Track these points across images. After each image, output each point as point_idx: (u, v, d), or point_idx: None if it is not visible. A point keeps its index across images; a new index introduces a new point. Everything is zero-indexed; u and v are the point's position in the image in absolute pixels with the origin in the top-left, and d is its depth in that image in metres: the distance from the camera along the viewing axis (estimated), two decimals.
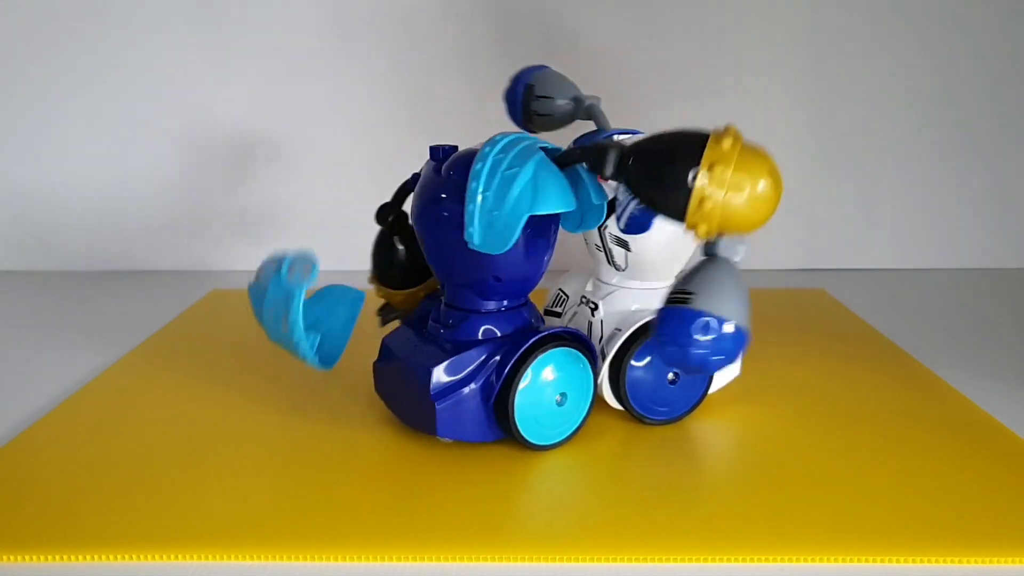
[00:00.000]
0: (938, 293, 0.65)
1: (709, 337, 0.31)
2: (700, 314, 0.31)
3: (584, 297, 0.44)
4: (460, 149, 0.37)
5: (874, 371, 0.48)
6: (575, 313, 0.44)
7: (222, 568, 0.31)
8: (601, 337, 0.42)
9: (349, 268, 0.70)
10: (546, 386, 0.38)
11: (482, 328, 0.38)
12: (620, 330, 0.41)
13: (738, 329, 0.31)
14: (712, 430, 0.41)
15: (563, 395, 0.39)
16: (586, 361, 0.39)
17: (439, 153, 0.37)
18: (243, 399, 0.45)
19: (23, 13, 0.66)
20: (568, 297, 0.46)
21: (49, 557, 0.31)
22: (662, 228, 0.39)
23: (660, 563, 0.31)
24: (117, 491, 0.36)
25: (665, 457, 0.39)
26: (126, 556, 0.31)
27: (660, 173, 0.31)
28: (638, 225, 0.39)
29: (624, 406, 0.41)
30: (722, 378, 0.43)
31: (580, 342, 0.39)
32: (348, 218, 0.70)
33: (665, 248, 0.40)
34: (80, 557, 0.31)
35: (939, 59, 0.67)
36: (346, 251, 0.71)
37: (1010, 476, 0.36)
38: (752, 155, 0.30)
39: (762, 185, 0.30)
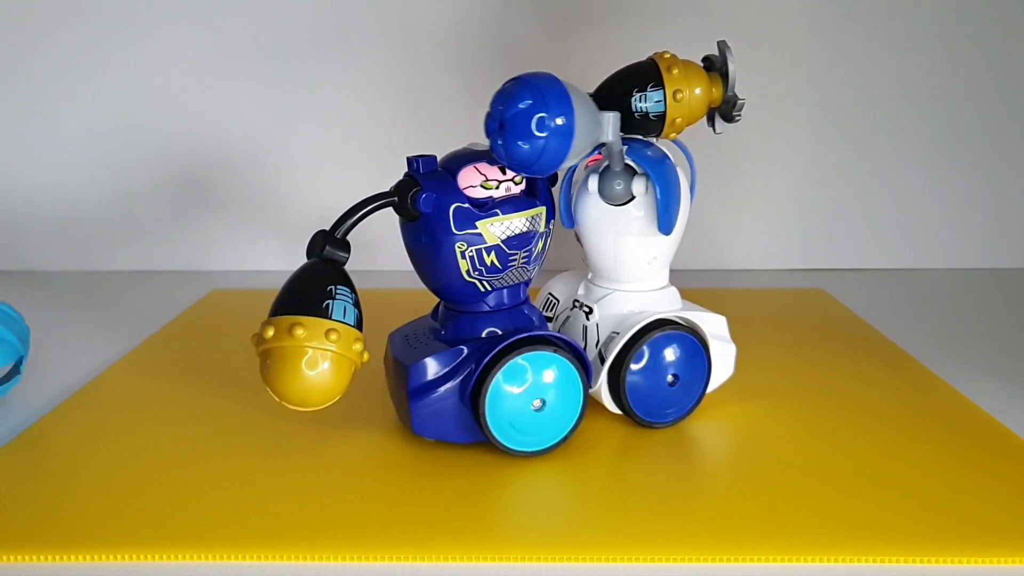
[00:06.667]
0: (938, 293, 0.65)
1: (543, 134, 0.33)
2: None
3: (577, 301, 0.43)
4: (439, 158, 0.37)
5: (874, 371, 0.48)
6: (568, 317, 0.43)
7: (222, 568, 0.31)
8: (598, 342, 0.41)
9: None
10: (521, 390, 0.37)
11: (485, 328, 0.38)
12: (618, 333, 0.40)
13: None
14: (711, 430, 0.41)
15: (542, 401, 0.38)
16: (572, 369, 0.38)
17: (416, 164, 0.36)
18: (243, 399, 0.45)
19: (29, 16, 0.66)
20: (558, 301, 0.45)
21: (49, 557, 0.31)
22: (601, 228, 0.40)
23: (660, 563, 0.31)
24: (117, 491, 0.36)
25: (664, 457, 0.39)
26: (126, 556, 0.31)
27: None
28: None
29: (626, 412, 0.41)
30: (718, 378, 0.43)
31: (568, 349, 0.38)
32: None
33: (603, 245, 0.41)
34: (80, 557, 0.31)
35: (940, 59, 0.67)
36: None
37: (1010, 476, 0.36)
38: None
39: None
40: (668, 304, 0.42)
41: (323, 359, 0.31)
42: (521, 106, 0.33)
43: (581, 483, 0.36)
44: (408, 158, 0.37)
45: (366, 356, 0.33)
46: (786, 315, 0.59)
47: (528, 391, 0.37)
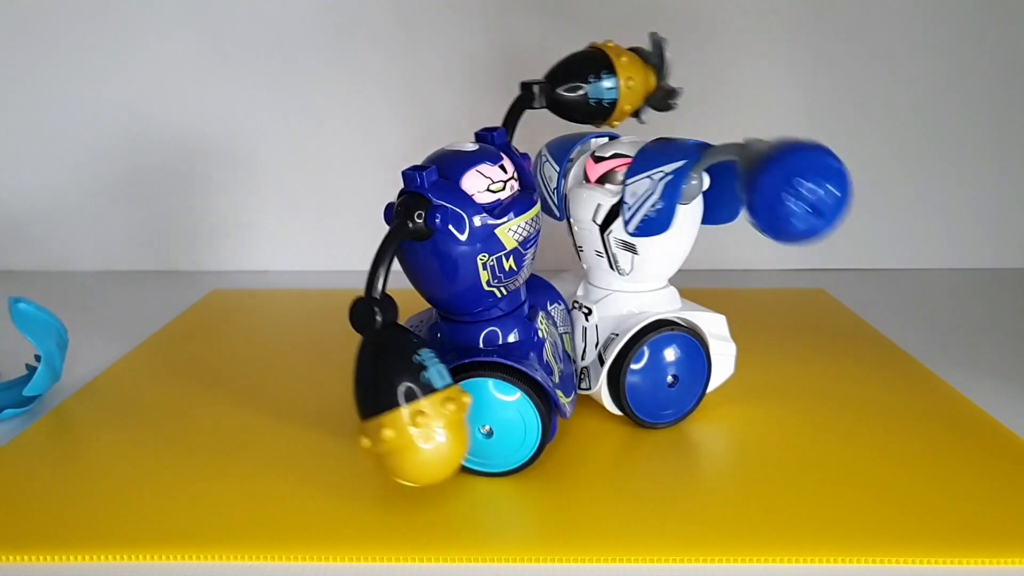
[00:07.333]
0: (938, 293, 0.65)
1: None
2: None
3: (576, 302, 0.43)
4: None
5: (874, 371, 0.48)
6: None
7: (222, 568, 0.31)
8: (597, 343, 0.41)
9: (346, 268, 0.70)
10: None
11: (484, 331, 0.37)
12: (617, 335, 0.40)
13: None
14: (711, 431, 0.41)
15: (490, 428, 0.36)
16: (526, 398, 0.36)
17: (419, 179, 0.33)
18: (243, 399, 0.45)
19: (30, 17, 0.66)
20: None
21: (49, 557, 0.31)
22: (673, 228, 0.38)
23: (660, 563, 0.31)
24: (117, 491, 0.36)
25: (664, 458, 0.39)
26: (125, 556, 0.31)
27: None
28: (651, 226, 0.37)
29: (625, 412, 0.41)
30: (718, 377, 0.43)
31: (526, 380, 0.36)
32: (348, 219, 0.70)
33: (673, 247, 0.40)
34: (80, 557, 0.31)
35: (940, 58, 0.67)
36: (343, 251, 0.71)
37: (1010, 476, 0.36)
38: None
39: None
40: (668, 304, 0.42)
41: (447, 430, 0.30)
42: (840, 196, 0.32)
43: (580, 483, 0.36)
44: (405, 173, 0.34)
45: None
46: (786, 315, 0.59)
47: (473, 416, 0.35)
